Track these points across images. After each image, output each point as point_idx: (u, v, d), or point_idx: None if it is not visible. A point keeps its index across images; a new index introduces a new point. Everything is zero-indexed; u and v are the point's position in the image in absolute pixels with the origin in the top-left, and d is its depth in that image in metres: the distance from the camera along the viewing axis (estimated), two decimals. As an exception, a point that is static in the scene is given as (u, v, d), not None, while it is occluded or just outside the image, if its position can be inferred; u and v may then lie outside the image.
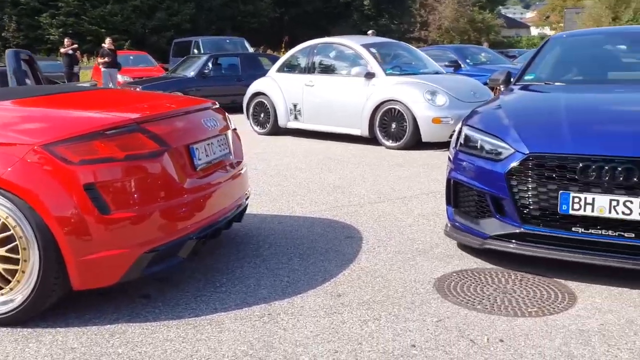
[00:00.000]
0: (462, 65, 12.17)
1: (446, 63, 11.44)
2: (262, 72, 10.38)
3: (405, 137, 8.02)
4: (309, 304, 3.07)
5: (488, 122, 3.85)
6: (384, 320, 2.87)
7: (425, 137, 7.91)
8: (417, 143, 7.98)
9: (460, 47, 16.39)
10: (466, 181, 3.71)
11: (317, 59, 9.42)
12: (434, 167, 6.71)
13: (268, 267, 3.63)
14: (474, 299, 3.11)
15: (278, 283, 3.37)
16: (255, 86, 10.05)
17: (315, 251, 3.90)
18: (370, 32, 17.30)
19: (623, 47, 5.09)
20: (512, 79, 4.88)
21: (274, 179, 6.25)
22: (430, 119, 7.81)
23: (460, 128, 3.96)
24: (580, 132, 3.39)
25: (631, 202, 3.05)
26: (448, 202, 3.91)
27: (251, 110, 9.99)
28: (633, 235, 3.10)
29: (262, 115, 9.84)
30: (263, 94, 9.80)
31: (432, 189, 5.66)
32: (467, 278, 3.42)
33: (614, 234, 3.14)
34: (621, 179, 3.07)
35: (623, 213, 3.07)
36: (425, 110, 7.85)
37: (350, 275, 3.47)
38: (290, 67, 9.81)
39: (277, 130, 9.68)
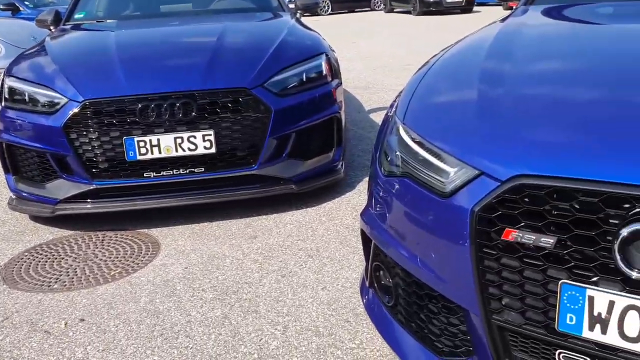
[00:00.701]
0: (21, 8, 10.76)
1: (1, 7, 9.99)
2: None
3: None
4: None
5: (34, 71, 3.32)
6: None
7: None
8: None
9: (18, -12, 14.49)
10: (21, 142, 3.17)
11: None
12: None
13: None
14: (51, 278, 2.68)
15: None
16: None
17: None
18: None
19: None
20: (62, 19, 4.34)
21: None
22: (-14, 72, 6.65)
23: (3, 80, 3.33)
24: (134, 71, 3.15)
25: (194, 137, 3.00)
26: (6, 170, 3.31)
27: None
28: (203, 169, 3.08)
29: None
30: None
31: None
32: (41, 255, 2.93)
33: (186, 171, 3.07)
34: (181, 115, 2.97)
35: (189, 149, 3.01)
36: (-22, 63, 6.64)
37: None
38: None
39: None
